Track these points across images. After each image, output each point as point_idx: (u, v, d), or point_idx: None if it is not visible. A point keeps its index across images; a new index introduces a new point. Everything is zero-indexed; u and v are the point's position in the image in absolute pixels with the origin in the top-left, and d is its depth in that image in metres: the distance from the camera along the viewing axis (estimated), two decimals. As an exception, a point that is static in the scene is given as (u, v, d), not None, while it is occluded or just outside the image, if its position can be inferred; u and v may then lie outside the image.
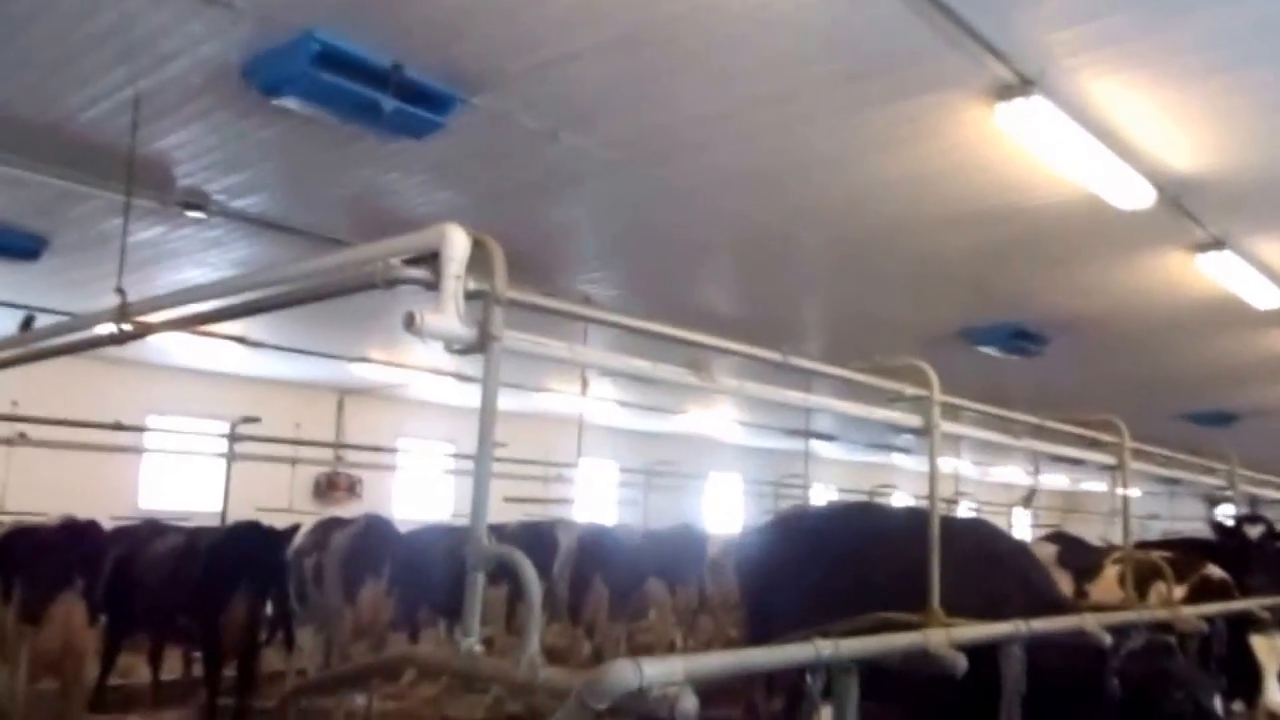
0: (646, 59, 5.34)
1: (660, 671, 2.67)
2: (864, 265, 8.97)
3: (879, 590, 4.99)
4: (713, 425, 20.44)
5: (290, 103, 5.46)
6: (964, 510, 23.00)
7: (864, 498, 19.11)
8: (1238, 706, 6.15)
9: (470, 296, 3.35)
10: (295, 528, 9.83)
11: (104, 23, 5.10)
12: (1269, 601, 6.82)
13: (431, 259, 3.31)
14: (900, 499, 19.82)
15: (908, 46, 5.06)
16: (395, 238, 3.54)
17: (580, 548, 10.96)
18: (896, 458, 21.95)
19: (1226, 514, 11.54)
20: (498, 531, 10.47)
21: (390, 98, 5.32)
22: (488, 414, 3.38)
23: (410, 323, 3.18)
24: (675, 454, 18.82)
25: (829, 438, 20.26)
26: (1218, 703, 4.60)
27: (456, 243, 3.34)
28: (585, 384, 13.05)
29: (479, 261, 3.32)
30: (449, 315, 3.29)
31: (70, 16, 5.05)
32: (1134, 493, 10.96)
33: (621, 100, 5.86)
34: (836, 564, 5.82)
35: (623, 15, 4.90)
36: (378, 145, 6.42)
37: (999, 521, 24.53)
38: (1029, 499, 20.69)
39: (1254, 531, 9.40)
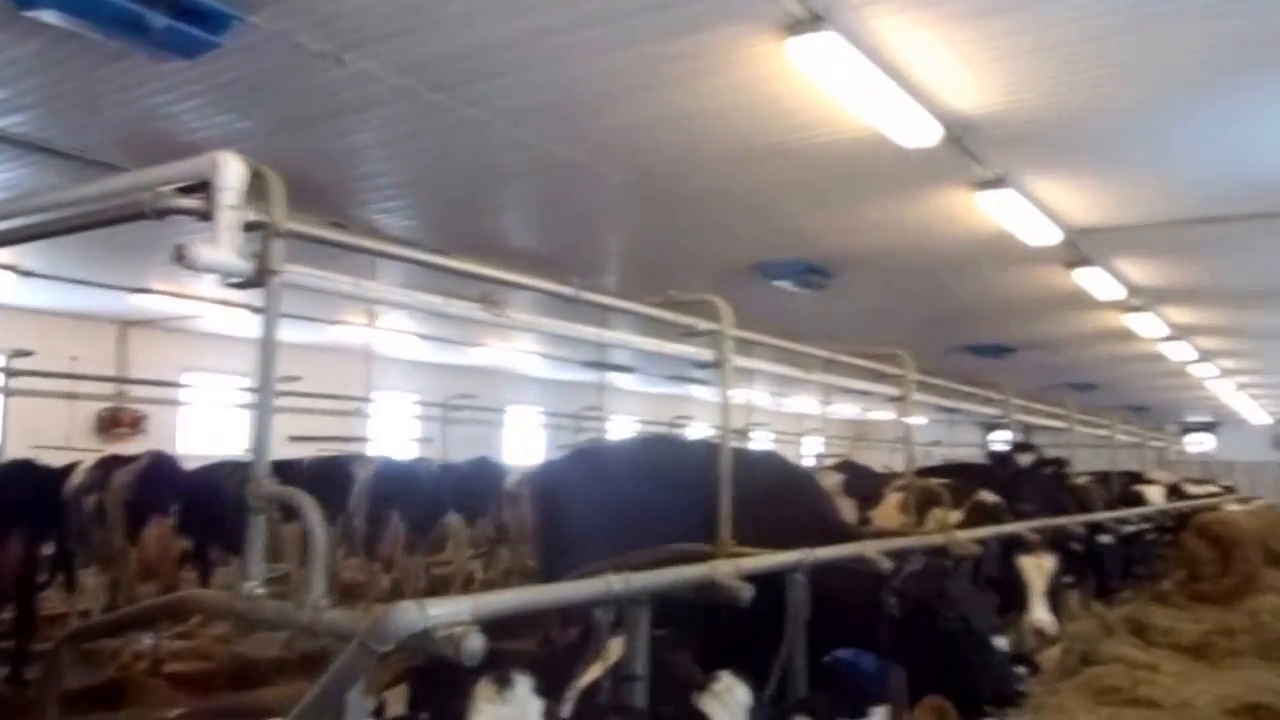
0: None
1: (446, 612, 2.66)
2: (659, 199, 9.01)
3: (673, 522, 5.09)
4: (512, 358, 20.37)
5: (47, 15, 5.03)
6: (759, 440, 23.85)
7: (663, 430, 19.55)
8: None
9: (249, 228, 3.22)
10: (73, 466, 9.40)
11: None
12: (1037, 524, 7.36)
13: (206, 188, 3.15)
14: (698, 430, 20.31)
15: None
16: (166, 165, 3.33)
17: (376, 482, 10.79)
18: (695, 389, 22.45)
19: (1001, 441, 12.36)
20: (292, 467, 10.28)
21: (159, 14, 4.98)
22: (268, 350, 3.31)
23: (181, 255, 3.06)
24: (475, 387, 18.68)
25: (628, 370, 20.54)
26: (990, 620, 4.92)
27: (231, 171, 3.20)
28: (372, 318, 12.78)
29: (260, 191, 3.20)
30: (223, 247, 3.16)
31: None
32: (918, 421, 11.57)
33: (407, 24, 5.63)
34: (631, 497, 5.88)
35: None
36: (149, 64, 5.97)
37: (791, 450, 25.72)
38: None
39: (1025, 459, 10.12)
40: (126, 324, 16.40)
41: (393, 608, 2.59)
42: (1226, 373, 20.84)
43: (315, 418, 13.16)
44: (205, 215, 3.15)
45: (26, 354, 11.09)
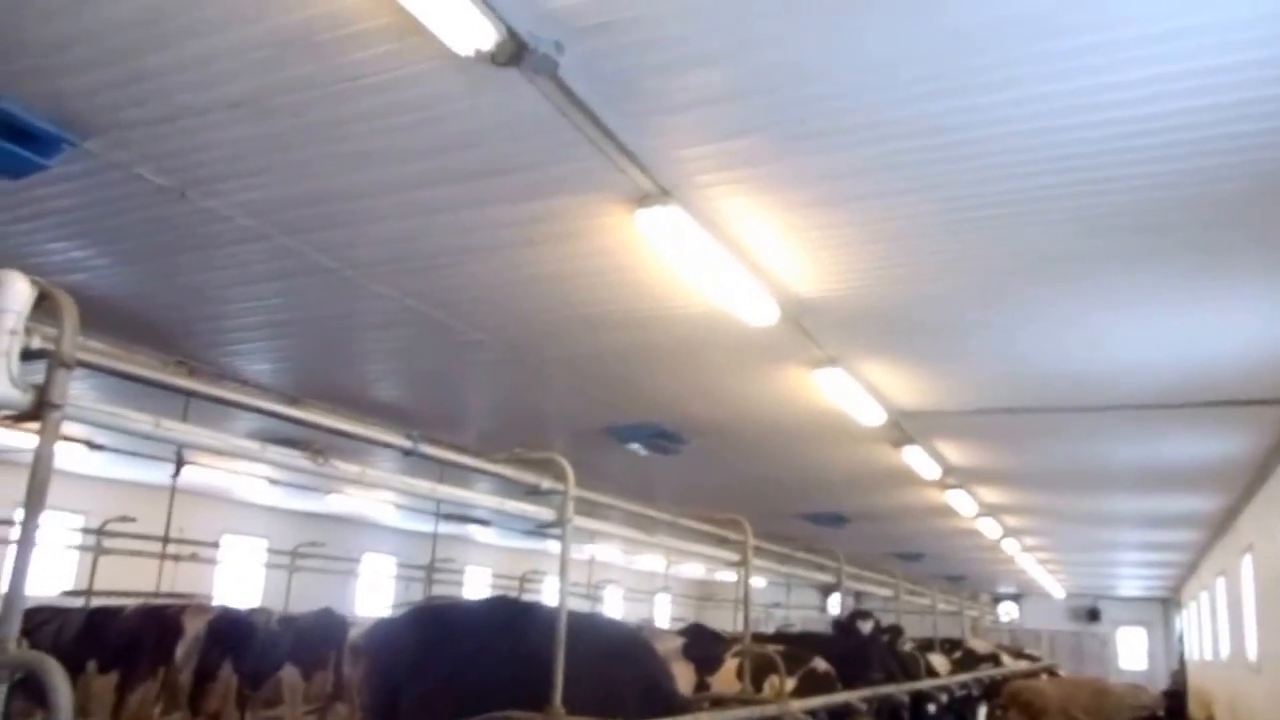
0: (278, 126, 4.81)
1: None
2: (513, 358, 8.69)
3: (506, 687, 4.72)
4: (367, 506, 19.42)
5: None
6: (610, 597, 23.22)
7: (515, 583, 18.79)
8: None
9: (35, 355, 2.80)
10: None
11: None
12: (865, 693, 7.15)
13: None
14: (552, 585, 19.60)
15: (550, 146, 4.86)
16: None
17: (209, 633, 9.81)
18: (550, 544, 21.78)
19: (838, 605, 12.23)
20: (113, 616, 9.29)
21: (-21, 129, 4.50)
22: (36, 490, 2.80)
23: None
24: (329, 535, 17.70)
25: (483, 522, 19.84)
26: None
27: (14, 292, 2.77)
28: (180, 463, 11.94)
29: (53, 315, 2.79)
30: None
31: None
32: (758, 583, 11.33)
33: (253, 165, 5.25)
34: (467, 659, 5.45)
35: (251, 76, 4.39)
36: (-24, 182, 5.43)
37: (641, 608, 25.11)
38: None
39: (866, 626, 9.96)
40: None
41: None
42: (1028, 549, 21.32)
43: (150, 563, 12.14)
44: (-18, 339, 2.72)
45: None
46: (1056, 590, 30.14)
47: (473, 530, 21.32)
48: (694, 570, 28.99)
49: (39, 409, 2.77)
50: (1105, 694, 14.09)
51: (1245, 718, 15.01)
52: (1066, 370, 8.39)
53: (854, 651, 8.66)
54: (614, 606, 24.87)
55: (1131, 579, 27.55)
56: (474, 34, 3.71)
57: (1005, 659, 14.20)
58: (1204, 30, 3.76)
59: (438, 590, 17.06)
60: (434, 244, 6.27)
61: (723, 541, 7.45)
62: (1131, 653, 30.82)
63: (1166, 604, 30.75)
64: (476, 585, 22.89)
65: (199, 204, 5.67)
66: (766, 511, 15.05)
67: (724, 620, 17.46)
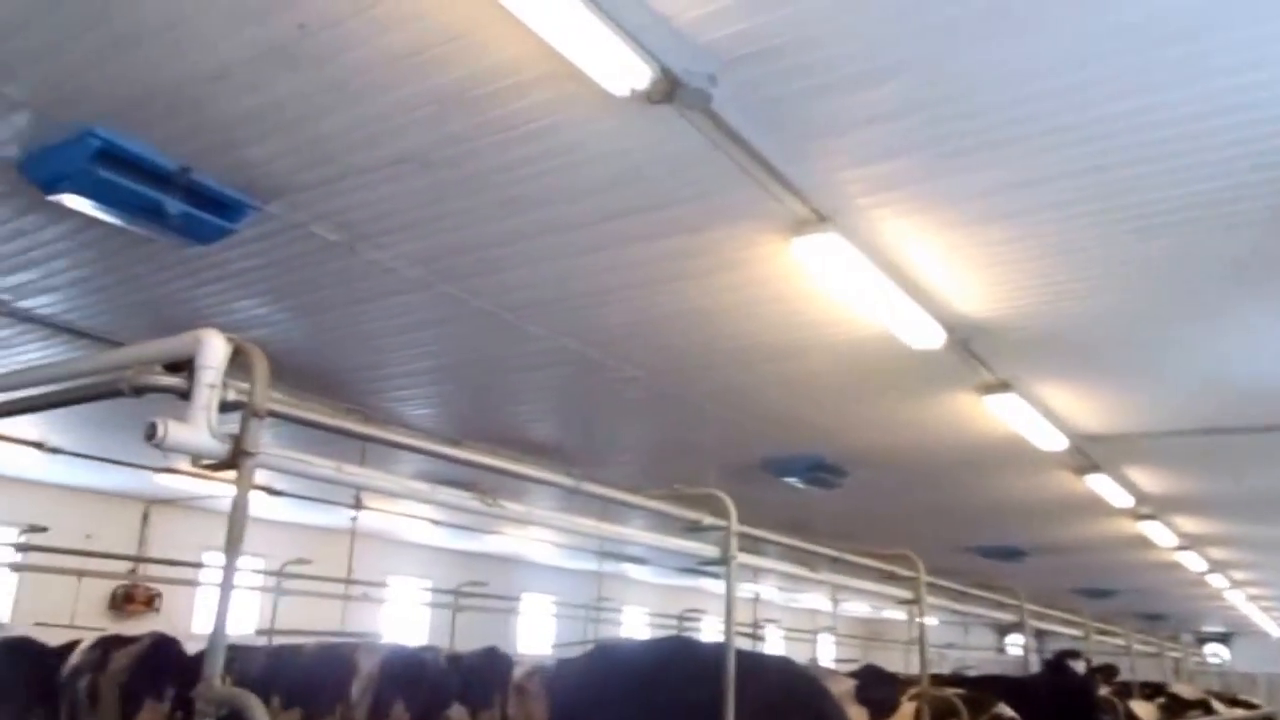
0: (439, 178, 5.09)
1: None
2: (667, 394, 8.80)
3: None
4: (525, 546, 19.87)
5: (69, 200, 5.01)
6: (771, 637, 22.98)
7: (673, 622, 18.83)
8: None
9: (231, 407, 3.03)
10: (72, 645, 8.94)
11: None
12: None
13: (189, 366, 3.00)
14: (710, 624, 19.55)
15: (702, 179, 4.95)
16: (151, 342, 3.27)
17: (381, 671, 10.20)
18: (706, 582, 21.77)
19: (1019, 645, 11.73)
20: (293, 654, 9.77)
21: (177, 200, 4.94)
22: (235, 535, 3.02)
23: (152, 433, 2.83)
24: (488, 574, 18.15)
25: (640, 561, 20.00)
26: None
27: (213, 349, 3.04)
28: (359, 503, 12.63)
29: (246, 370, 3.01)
30: (198, 427, 2.95)
31: None
32: (931, 622, 11.07)
33: (416, 217, 5.56)
34: (641, 700, 5.55)
35: (414, 133, 4.66)
36: (170, 249, 5.95)
37: (804, 648, 24.73)
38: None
39: (1077, 667, 9.49)
40: (150, 502, 16.15)
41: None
42: (1238, 584, 20.06)
43: (323, 602, 12.74)
44: (184, 394, 2.97)
45: (40, 529, 10.87)
46: (1273, 629, 28.28)
47: (627, 568, 21.51)
48: (857, 608, 28.39)
49: (235, 458, 2.99)
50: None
51: None
52: (1272, 386, 7.95)
53: (1030, 693, 8.25)
54: (775, 646, 24.60)
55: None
56: (629, 75, 3.84)
57: (1218, 706, 13.27)
58: None
59: (597, 629, 17.26)
60: (586, 283, 6.46)
61: (891, 578, 7.32)
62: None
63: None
64: (634, 624, 23.04)
65: (366, 256, 6.03)
66: (934, 545, 14.64)
67: (892, 662, 17.04)
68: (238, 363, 3.06)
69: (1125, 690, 11.41)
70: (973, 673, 14.31)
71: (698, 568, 20.63)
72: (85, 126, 4.62)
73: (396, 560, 19.20)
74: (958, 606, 9.14)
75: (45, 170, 4.89)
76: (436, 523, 16.46)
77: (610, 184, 5.09)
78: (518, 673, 11.36)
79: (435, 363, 8.25)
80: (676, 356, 7.86)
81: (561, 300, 6.75)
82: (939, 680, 8.76)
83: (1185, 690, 13.03)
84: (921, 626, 7.05)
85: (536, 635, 21.73)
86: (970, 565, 16.40)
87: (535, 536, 18.72)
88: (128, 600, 15.93)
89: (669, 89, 3.95)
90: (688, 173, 4.91)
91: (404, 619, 18.73)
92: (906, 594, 7.11)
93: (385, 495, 10.39)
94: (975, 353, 7.31)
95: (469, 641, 13.34)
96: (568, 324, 7.20)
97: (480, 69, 4.12)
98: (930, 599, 7.25)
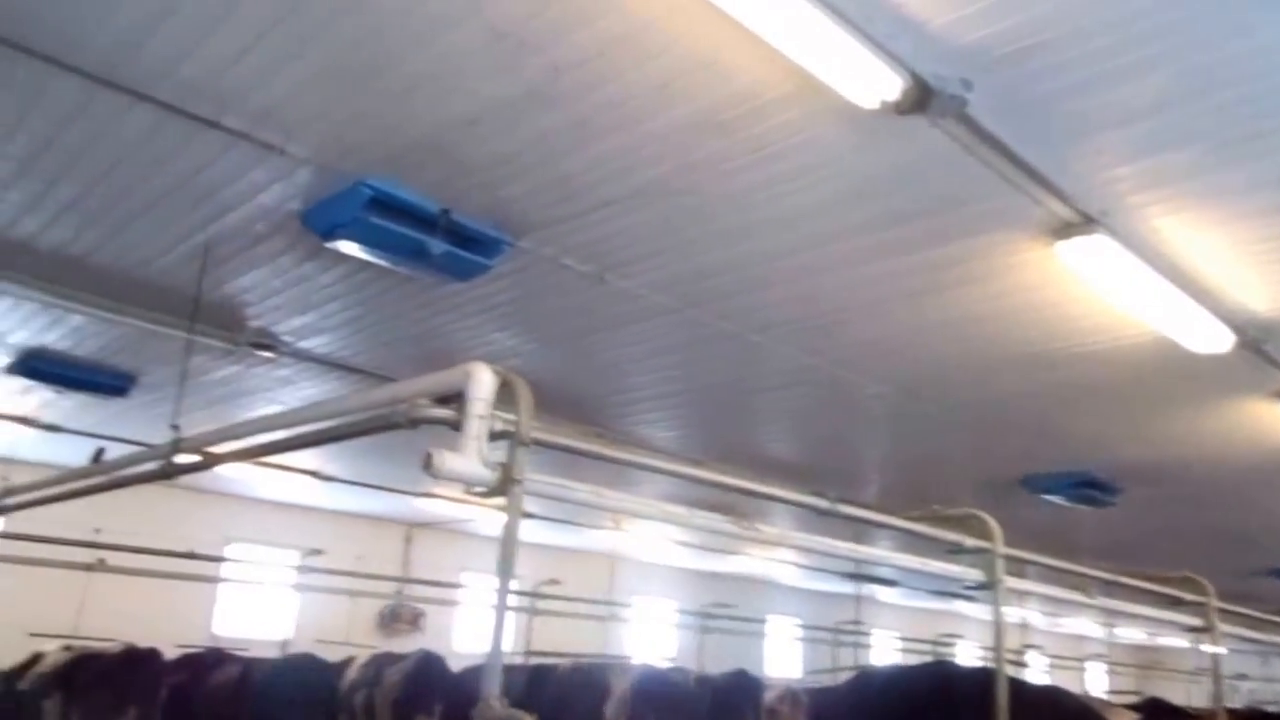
0: (682, 205, 5.19)
1: None
2: (921, 409, 8.55)
3: None
4: (770, 567, 19.75)
5: (345, 246, 5.47)
6: (1034, 663, 21.83)
7: (927, 647, 18.22)
8: None
9: (498, 436, 3.16)
10: (349, 661, 9.58)
11: (174, 172, 5.16)
12: None
13: (459, 398, 3.16)
14: (966, 649, 18.78)
15: (959, 186, 4.80)
16: (423, 377, 3.43)
17: (633, 693, 10.38)
18: (961, 605, 20.93)
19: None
20: (547, 672, 10.09)
21: (438, 240, 5.27)
22: (506, 559, 3.13)
23: (428, 463, 2.99)
24: (731, 595, 18.19)
25: (890, 583, 19.48)
26: None
27: (482, 382, 3.18)
28: (617, 524, 12.91)
29: (510, 401, 3.14)
30: (469, 456, 3.09)
31: (145, 165, 5.11)
32: (1220, 651, 10.25)
33: (662, 244, 5.70)
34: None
35: (660, 162, 4.77)
36: (432, 288, 6.37)
37: (1071, 677, 23.35)
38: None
39: None
40: (412, 525, 17.14)
41: None
42: None
43: (570, 622, 13.08)
44: (455, 425, 3.12)
45: (317, 553, 11.67)
46: None
47: (876, 590, 20.99)
48: (1130, 635, 26.57)
49: (504, 485, 3.10)
50: None
51: None
52: None
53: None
54: (1039, 674, 23.35)
55: None
56: (878, 86, 3.77)
57: None
58: None
59: (846, 653, 16.92)
60: (832, 300, 6.41)
61: (1174, 603, 6.81)
62: None
63: None
64: (884, 648, 22.45)
65: (615, 285, 6.22)
66: (1220, 567, 13.51)
67: (1172, 693, 15.82)
68: (502, 394, 3.19)
69: None
70: (1272, 708, 13.09)
71: (956, 590, 19.95)
72: (357, 177, 5.00)
73: (642, 580, 19.53)
74: (1255, 635, 8.37)
75: (323, 220, 5.35)
76: (681, 543, 16.63)
77: (857, 198, 5.02)
78: (768, 696, 11.34)
79: (681, 386, 8.39)
80: (926, 370, 7.66)
81: (807, 319, 6.72)
82: (1235, 716, 8.08)
83: None
84: (1215, 656, 6.51)
85: (781, 658, 21.54)
86: (1265, 589, 15.10)
87: (779, 558, 18.60)
88: (395, 619, 16.96)
89: (920, 98, 3.84)
90: (938, 182, 4.78)
91: (651, 639, 19.00)
92: (1194, 620, 6.60)
93: (640, 518, 10.62)
94: (1269, 355, 6.70)
95: (716, 663, 13.43)
96: (813, 342, 7.16)
97: (726, 94, 4.15)
98: (1222, 626, 6.70)
